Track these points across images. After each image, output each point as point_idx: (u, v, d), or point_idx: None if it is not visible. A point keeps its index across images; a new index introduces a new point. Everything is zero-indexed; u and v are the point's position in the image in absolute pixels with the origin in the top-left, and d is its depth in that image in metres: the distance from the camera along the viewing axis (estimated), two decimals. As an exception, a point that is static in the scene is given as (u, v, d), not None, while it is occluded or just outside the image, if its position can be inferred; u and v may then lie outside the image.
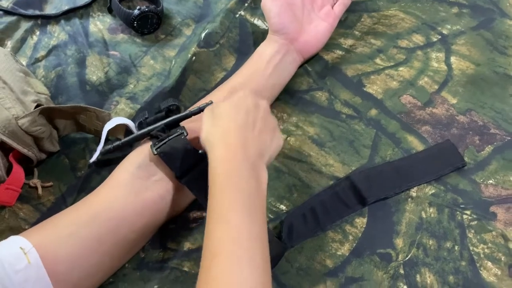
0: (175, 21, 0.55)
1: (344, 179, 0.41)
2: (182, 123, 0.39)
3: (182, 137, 0.36)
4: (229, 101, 0.35)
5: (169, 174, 0.37)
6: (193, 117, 0.38)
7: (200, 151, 0.36)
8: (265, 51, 0.45)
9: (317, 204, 0.40)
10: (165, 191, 0.37)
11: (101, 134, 0.41)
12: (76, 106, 0.42)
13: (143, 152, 0.38)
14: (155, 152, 0.36)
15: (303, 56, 0.48)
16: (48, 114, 0.42)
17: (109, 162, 0.40)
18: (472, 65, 0.49)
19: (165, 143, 0.36)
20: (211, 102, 0.38)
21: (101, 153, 0.38)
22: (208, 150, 0.33)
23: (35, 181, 0.42)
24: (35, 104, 0.43)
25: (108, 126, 0.41)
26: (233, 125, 0.33)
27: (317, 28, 0.48)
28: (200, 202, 0.37)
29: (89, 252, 0.34)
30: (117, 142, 0.38)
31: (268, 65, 0.44)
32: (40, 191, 0.42)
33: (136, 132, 0.39)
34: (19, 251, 0.30)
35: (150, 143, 0.37)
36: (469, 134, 0.45)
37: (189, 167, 0.36)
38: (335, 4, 0.50)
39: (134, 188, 0.36)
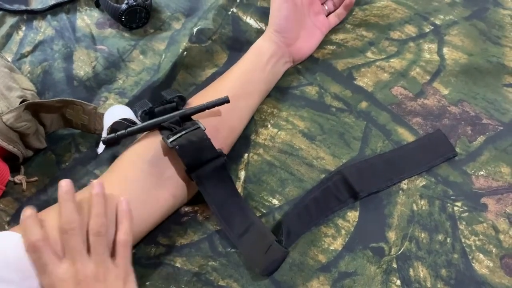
0: (164, 15, 0.54)
1: (335, 173, 0.41)
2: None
3: (201, 131, 0.35)
4: None
5: (180, 170, 0.36)
6: (204, 112, 0.37)
7: (217, 149, 0.35)
8: (264, 48, 0.44)
9: (310, 201, 0.39)
10: (176, 189, 0.36)
11: (88, 127, 0.40)
12: (62, 100, 0.41)
13: (153, 146, 0.35)
14: (171, 145, 0.34)
15: (294, 60, 0.47)
16: (33, 109, 0.41)
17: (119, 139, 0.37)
18: (465, 55, 0.48)
19: (181, 136, 0.34)
20: (227, 98, 0.36)
21: (104, 142, 0.36)
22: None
23: (20, 177, 0.41)
24: (20, 99, 0.42)
25: (109, 119, 0.39)
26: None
27: (311, 35, 0.47)
28: (205, 199, 0.36)
29: None
30: (123, 131, 0.35)
31: (267, 63, 0.43)
32: (24, 186, 0.41)
33: (141, 122, 0.36)
34: (18, 238, 0.27)
35: (156, 136, 0.35)
36: (461, 125, 0.44)
37: (204, 162, 0.35)
38: (329, 13, 0.50)
39: (146, 187, 0.34)
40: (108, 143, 0.36)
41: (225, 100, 0.37)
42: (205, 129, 0.35)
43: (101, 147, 0.39)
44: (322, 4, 0.50)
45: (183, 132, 0.34)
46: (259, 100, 0.44)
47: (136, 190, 0.34)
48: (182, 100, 0.38)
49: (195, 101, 0.39)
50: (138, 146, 0.36)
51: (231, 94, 0.39)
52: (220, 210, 0.36)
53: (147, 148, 0.35)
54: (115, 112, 0.39)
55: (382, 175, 0.40)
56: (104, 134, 0.38)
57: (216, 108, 0.38)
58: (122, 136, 0.36)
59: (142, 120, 0.37)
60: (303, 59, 0.48)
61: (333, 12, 0.50)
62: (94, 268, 0.27)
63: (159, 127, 0.36)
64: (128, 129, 0.36)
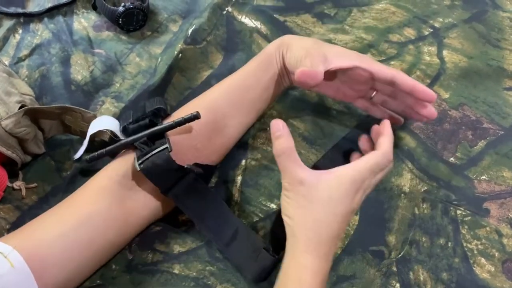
0: (161, 18, 0.53)
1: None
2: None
3: (166, 153, 0.34)
4: (344, 185, 0.31)
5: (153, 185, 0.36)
6: (178, 128, 0.36)
7: (185, 166, 0.35)
8: (270, 56, 0.39)
9: None
10: (149, 200, 0.36)
11: (86, 133, 0.40)
12: (61, 107, 0.41)
13: (127, 161, 0.36)
14: (138, 168, 0.34)
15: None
16: (32, 115, 0.41)
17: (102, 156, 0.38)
18: (465, 58, 0.47)
19: (147, 158, 0.34)
20: (198, 114, 0.35)
21: (87, 161, 0.37)
22: (292, 246, 0.31)
23: (19, 183, 0.41)
24: (19, 105, 0.41)
25: (94, 127, 0.40)
26: (336, 227, 0.30)
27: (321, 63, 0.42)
28: (186, 214, 0.36)
29: (78, 255, 0.33)
30: (101, 151, 0.36)
31: (265, 80, 0.39)
32: (23, 192, 0.41)
33: (120, 141, 0.37)
34: None
35: (134, 152, 0.36)
36: (461, 129, 0.43)
37: (174, 183, 0.35)
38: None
39: (117, 197, 0.35)
40: (90, 161, 0.37)
41: (195, 116, 0.35)
42: (171, 150, 0.34)
43: (78, 153, 0.41)
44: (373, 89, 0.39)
45: (149, 155, 0.34)
46: (256, 115, 0.42)
47: (107, 199, 0.34)
48: (163, 112, 0.38)
49: (187, 109, 0.38)
50: (115, 161, 0.37)
51: (221, 111, 0.38)
52: (203, 222, 0.36)
53: (122, 162, 0.36)
54: (102, 122, 0.40)
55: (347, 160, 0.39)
56: (86, 142, 0.39)
57: (195, 124, 0.36)
58: (101, 155, 0.36)
59: (124, 136, 0.37)
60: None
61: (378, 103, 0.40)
62: None
63: (134, 146, 0.36)
64: (106, 149, 0.36)
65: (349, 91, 0.39)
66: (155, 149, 0.34)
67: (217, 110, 0.39)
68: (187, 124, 0.36)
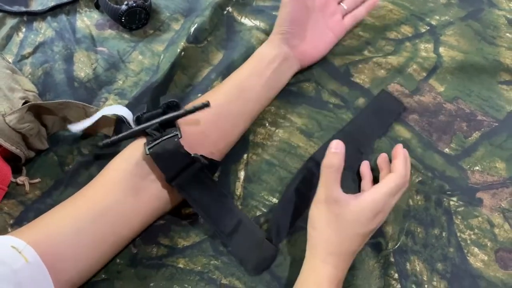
0: (163, 16, 0.53)
1: (308, 160, 0.40)
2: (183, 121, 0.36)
3: (176, 139, 0.34)
4: (369, 208, 0.33)
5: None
6: (188, 118, 0.36)
7: (192, 155, 0.35)
8: (265, 54, 0.42)
9: (292, 193, 0.39)
10: (160, 191, 0.36)
11: (93, 117, 0.39)
12: (64, 102, 0.40)
13: (139, 149, 0.35)
14: (147, 152, 0.34)
15: (301, 64, 0.45)
16: (36, 110, 0.40)
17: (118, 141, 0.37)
18: (461, 54, 0.48)
19: (158, 143, 0.34)
20: (208, 103, 0.35)
21: (100, 147, 0.36)
22: (312, 256, 0.34)
23: (23, 179, 0.40)
24: (23, 101, 0.41)
25: (107, 110, 0.39)
26: (356, 245, 0.33)
27: (322, 37, 0.45)
28: (190, 204, 0.36)
29: (92, 250, 0.32)
30: (114, 137, 0.36)
31: (267, 68, 0.41)
32: (27, 187, 0.40)
33: (132, 128, 0.36)
34: (11, 250, 0.27)
35: (143, 140, 0.35)
36: (456, 121, 0.44)
37: (180, 170, 0.35)
38: (346, 14, 0.46)
39: (130, 188, 0.34)
40: (103, 148, 0.36)
41: (205, 105, 0.35)
42: (181, 137, 0.34)
43: (78, 127, 0.40)
44: (339, 3, 0.46)
45: (159, 140, 0.34)
46: (259, 105, 0.42)
47: (121, 191, 0.34)
48: (177, 106, 0.37)
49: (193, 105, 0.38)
50: (126, 150, 0.36)
51: (226, 99, 0.38)
52: (207, 212, 0.36)
53: (133, 152, 0.35)
54: (114, 109, 0.39)
55: (350, 150, 0.39)
56: (92, 119, 0.39)
57: (202, 112, 0.36)
58: (115, 141, 0.36)
59: (136, 125, 0.37)
60: (313, 63, 0.46)
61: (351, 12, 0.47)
62: None
63: (145, 134, 0.36)
64: (119, 135, 0.36)
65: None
66: (165, 135, 0.34)
67: (226, 97, 0.39)
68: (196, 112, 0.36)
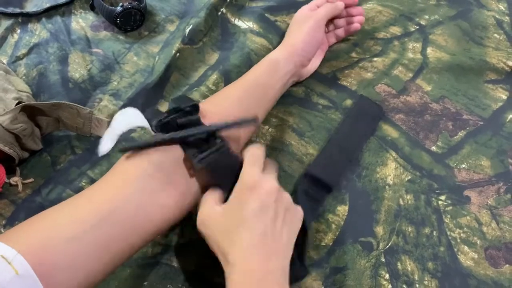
0: (158, 18, 0.51)
1: (304, 176, 0.38)
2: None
3: (227, 151, 0.30)
4: (252, 203, 0.28)
5: (185, 176, 0.31)
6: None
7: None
8: (281, 65, 0.40)
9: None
10: (180, 195, 0.30)
11: (109, 123, 0.33)
12: (57, 103, 0.39)
13: (164, 153, 0.30)
14: (199, 165, 0.29)
15: (300, 78, 0.45)
16: (29, 111, 0.39)
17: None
18: (448, 55, 0.47)
19: (208, 155, 0.29)
20: (256, 118, 0.32)
21: (120, 151, 0.30)
22: (224, 264, 0.28)
23: (16, 179, 0.39)
24: (16, 101, 0.39)
25: (121, 121, 0.33)
26: (257, 239, 0.27)
27: (317, 55, 0.45)
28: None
29: (94, 260, 0.26)
30: (138, 143, 0.30)
31: (280, 79, 0.40)
32: (20, 188, 0.38)
33: (159, 134, 0.30)
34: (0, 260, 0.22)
35: (175, 146, 0.30)
36: (442, 120, 0.43)
37: (235, 179, 0.30)
38: (328, 32, 0.47)
39: (149, 188, 0.29)
40: (122, 152, 0.31)
41: (253, 120, 0.33)
42: (229, 148, 0.30)
43: (103, 148, 0.33)
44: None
45: (209, 152, 0.29)
46: (264, 112, 0.41)
47: (137, 191, 0.28)
48: (196, 110, 0.33)
49: (205, 107, 0.34)
50: (152, 152, 0.30)
51: (240, 104, 0.36)
52: None
53: (158, 154, 0.30)
54: (127, 118, 0.33)
55: (341, 161, 0.39)
56: (110, 137, 0.32)
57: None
58: (137, 147, 0.30)
59: (156, 130, 0.31)
60: (304, 78, 0.45)
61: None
62: None
63: (183, 142, 0.30)
64: (146, 141, 0.30)
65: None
66: (213, 146, 0.30)
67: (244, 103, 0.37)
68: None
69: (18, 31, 0.50)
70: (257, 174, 0.29)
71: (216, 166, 0.30)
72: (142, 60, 0.48)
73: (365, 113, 0.42)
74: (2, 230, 0.36)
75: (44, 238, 0.25)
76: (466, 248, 0.36)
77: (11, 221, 0.37)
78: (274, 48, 0.44)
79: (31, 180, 0.39)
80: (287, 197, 0.30)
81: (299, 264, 0.32)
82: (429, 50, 0.47)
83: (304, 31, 0.42)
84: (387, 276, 0.35)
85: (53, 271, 0.24)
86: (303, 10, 0.44)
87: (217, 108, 0.35)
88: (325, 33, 0.46)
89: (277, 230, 0.28)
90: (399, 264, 0.35)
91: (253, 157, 0.31)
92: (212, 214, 0.29)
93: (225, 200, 0.30)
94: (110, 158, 0.40)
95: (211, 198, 0.30)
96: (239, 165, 0.31)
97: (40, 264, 0.23)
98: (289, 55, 0.41)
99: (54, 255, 0.24)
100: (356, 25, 0.46)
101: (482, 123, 0.42)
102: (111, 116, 0.42)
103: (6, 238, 0.24)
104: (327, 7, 0.43)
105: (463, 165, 0.40)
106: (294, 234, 0.30)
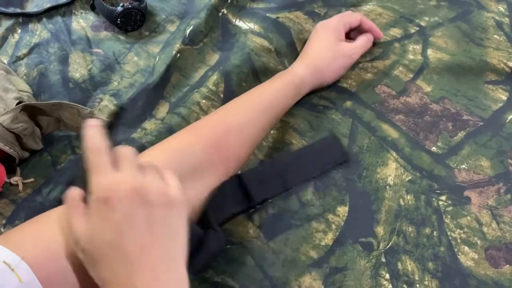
0: (159, 18, 0.51)
1: (235, 176, 0.37)
2: None
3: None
4: (114, 217, 0.22)
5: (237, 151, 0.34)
6: None
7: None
8: (299, 80, 0.41)
9: (207, 205, 0.34)
10: (223, 175, 0.33)
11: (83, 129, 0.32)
12: (58, 103, 0.39)
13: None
14: None
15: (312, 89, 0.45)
16: (30, 111, 0.38)
17: None
18: (448, 56, 0.47)
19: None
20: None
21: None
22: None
23: (16, 179, 0.39)
24: (17, 101, 0.39)
25: None
26: (135, 258, 0.21)
27: (341, 65, 0.44)
28: None
29: None
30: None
31: (296, 95, 0.42)
32: (20, 187, 0.38)
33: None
34: (2, 267, 0.21)
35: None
36: (442, 121, 0.42)
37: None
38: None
39: (198, 164, 0.31)
40: None
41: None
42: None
43: None
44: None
45: None
46: (275, 120, 0.41)
47: (188, 163, 0.29)
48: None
49: (218, 115, 0.37)
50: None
51: (253, 113, 0.38)
52: None
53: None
54: None
55: (277, 182, 0.38)
56: None
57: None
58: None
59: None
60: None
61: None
62: None
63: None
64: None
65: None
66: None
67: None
68: None
69: (19, 31, 0.50)
70: (105, 182, 0.23)
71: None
72: (142, 60, 0.47)
73: (325, 151, 0.40)
74: (2, 230, 0.36)
75: (48, 241, 0.23)
76: (466, 248, 0.36)
77: (11, 221, 0.36)
78: (275, 48, 0.44)
79: (32, 180, 0.39)
80: (154, 187, 0.23)
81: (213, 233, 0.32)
82: (429, 51, 0.47)
83: (339, 65, 0.43)
84: (387, 276, 0.35)
85: (57, 279, 0.23)
86: (336, 24, 0.44)
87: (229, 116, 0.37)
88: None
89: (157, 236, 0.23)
90: (399, 264, 0.35)
91: (96, 161, 0.24)
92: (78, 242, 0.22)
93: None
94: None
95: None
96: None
97: (44, 270, 0.22)
98: (312, 73, 0.42)
99: (60, 260, 0.23)
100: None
101: (482, 123, 0.42)
102: (111, 116, 0.42)
103: (8, 241, 0.23)
104: (365, 46, 0.45)
105: (463, 166, 0.40)
106: (177, 228, 0.25)
